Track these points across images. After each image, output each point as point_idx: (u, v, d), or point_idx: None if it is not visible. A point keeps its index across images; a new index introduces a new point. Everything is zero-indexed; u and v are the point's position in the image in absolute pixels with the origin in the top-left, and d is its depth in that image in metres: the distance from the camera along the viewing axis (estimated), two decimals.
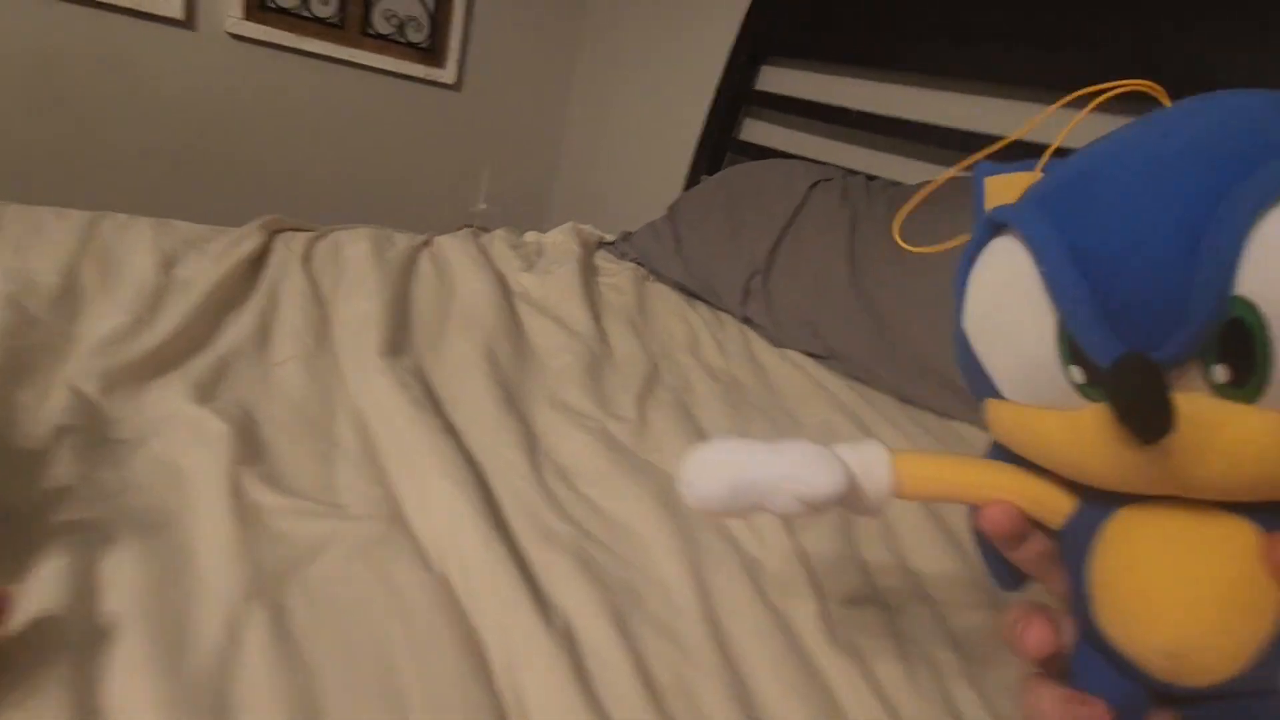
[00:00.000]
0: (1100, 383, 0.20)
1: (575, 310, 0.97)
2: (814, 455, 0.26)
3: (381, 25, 1.68)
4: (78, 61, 1.39)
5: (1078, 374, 0.21)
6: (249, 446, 0.55)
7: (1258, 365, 0.18)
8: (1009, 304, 0.22)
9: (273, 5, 1.53)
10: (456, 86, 1.83)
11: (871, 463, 0.27)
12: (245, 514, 0.47)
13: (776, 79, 1.45)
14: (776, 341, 1.02)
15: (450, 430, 0.63)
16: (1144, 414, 0.18)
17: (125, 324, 0.67)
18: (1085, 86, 0.29)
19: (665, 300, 1.12)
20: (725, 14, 1.50)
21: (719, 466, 0.27)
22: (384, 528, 0.49)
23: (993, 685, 0.44)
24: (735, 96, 1.47)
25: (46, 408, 0.55)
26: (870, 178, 1.16)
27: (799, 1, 1.37)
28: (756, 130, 1.51)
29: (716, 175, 1.31)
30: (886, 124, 1.21)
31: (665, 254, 1.21)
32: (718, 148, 1.50)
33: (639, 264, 1.24)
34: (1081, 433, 0.21)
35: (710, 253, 1.15)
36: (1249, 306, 0.17)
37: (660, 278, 1.21)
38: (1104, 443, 0.20)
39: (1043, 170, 0.24)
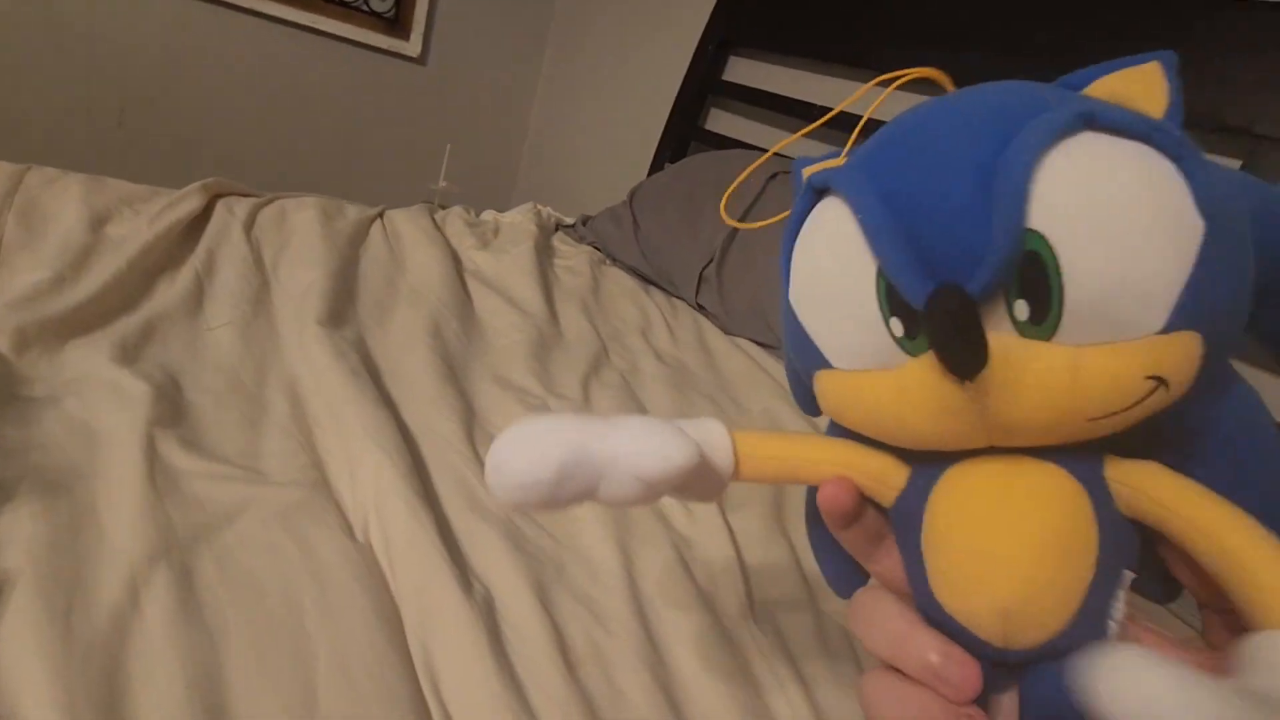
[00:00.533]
0: (917, 324, 0.21)
1: (527, 290, 0.96)
2: (657, 428, 0.23)
3: None
4: (18, 15, 1.32)
5: (897, 326, 0.21)
6: (169, 408, 0.54)
7: (1053, 298, 0.19)
8: (832, 266, 0.23)
9: None
10: (421, 60, 1.79)
11: (714, 439, 0.24)
12: (158, 476, 0.46)
13: (745, 70, 1.46)
14: (728, 329, 1.03)
15: (387, 402, 0.62)
16: (959, 344, 0.19)
17: (46, 280, 0.64)
18: None
19: (620, 285, 1.11)
20: (697, 1, 1.49)
21: (543, 443, 0.23)
22: (306, 494, 0.48)
23: None
24: (703, 85, 1.47)
25: None
26: None
27: None
28: (722, 120, 1.51)
29: (677, 164, 1.31)
30: (849, 120, 1.22)
31: (623, 239, 1.21)
32: (683, 136, 1.50)
33: (596, 248, 1.24)
34: (905, 388, 0.21)
35: (667, 240, 1.15)
36: (1041, 239, 0.18)
37: (617, 262, 1.21)
38: (926, 393, 0.21)
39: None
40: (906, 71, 0.28)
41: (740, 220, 1.08)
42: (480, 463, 0.57)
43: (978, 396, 0.20)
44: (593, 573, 0.47)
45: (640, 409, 0.72)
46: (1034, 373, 0.19)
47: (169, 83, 1.51)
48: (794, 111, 1.30)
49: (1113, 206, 0.18)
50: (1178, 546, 0.20)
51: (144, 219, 0.81)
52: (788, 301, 0.25)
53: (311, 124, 1.71)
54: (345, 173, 1.78)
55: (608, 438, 0.23)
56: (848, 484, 0.24)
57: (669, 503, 0.56)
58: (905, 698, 0.21)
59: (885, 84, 0.30)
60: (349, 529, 0.47)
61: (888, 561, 0.25)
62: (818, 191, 0.24)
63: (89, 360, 0.58)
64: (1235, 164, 0.84)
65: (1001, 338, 0.19)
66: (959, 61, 1.07)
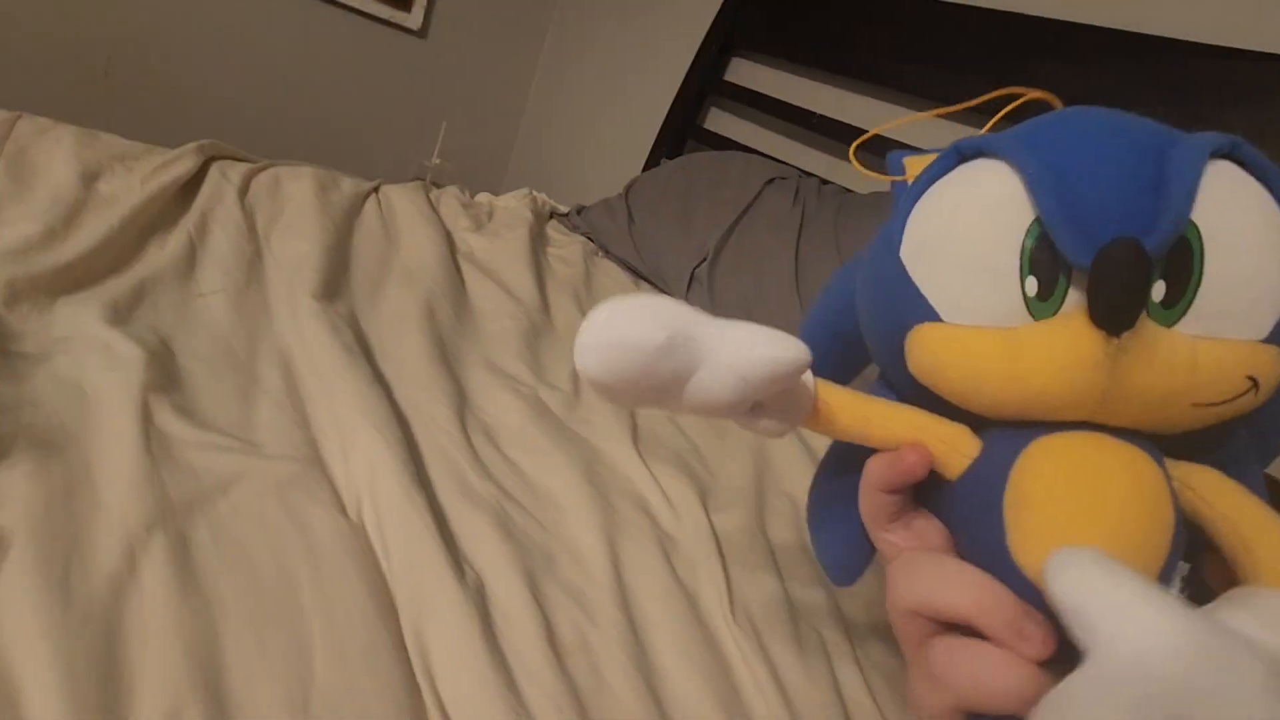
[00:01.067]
0: (1053, 286, 0.22)
1: (520, 276, 0.96)
2: (767, 331, 0.23)
3: None
4: None
5: (1032, 285, 0.22)
6: (163, 374, 0.53)
7: (1191, 285, 0.21)
8: (976, 220, 0.24)
9: None
10: (421, 33, 1.76)
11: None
12: (153, 442, 0.45)
13: (746, 72, 1.47)
14: None
15: (379, 380, 0.62)
16: (1124, 295, 0.20)
17: (37, 233, 0.63)
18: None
19: (612, 277, 1.12)
20: (702, 3, 1.50)
21: (657, 309, 0.22)
22: (300, 469, 0.48)
23: (872, 664, 0.47)
24: (703, 84, 1.47)
25: None
26: (824, 182, 1.19)
27: None
28: (721, 120, 1.52)
29: (675, 160, 1.31)
30: (847, 131, 1.24)
31: (617, 232, 1.21)
32: (681, 133, 1.50)
33: (590, 239, 1.24)
34: (1020, 348, 0.22)
35: (661, 236, 1.16)
36: (1195, 230, 0.21)
37: (609, 255, 1.21)
38: (1057, 350, 0.22)
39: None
40: (1026, 91, 0.30)
41: (734, 221, 1.09)
42: (471, 448, 0.58)
43: (1116, 356, 0.21)
44: (580, 564, 0.48)
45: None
46: (1165, 347, 0.21)
47: (160, 34, 1.47)
48: (793, 117, 1.32)
49: (1253, 222, 0.22)
50: (1218, 551, 0.23)
51: (136, 177, 0.79)
52: (894, 258, 0.26)
53: (306, 89, 1.68)
54: (337, 141, 1.76)
55: (721, 327, 0.23)
56: (926, 451, 0.25)
57: (654, 500, 0.57)
58: (977, 654, 0.21)
59: (1005, 100, 0.32)
60: (342, 506, 0.47)
61: (903, 534, 0.26)
62: (963, 157, 0.25)
63: (80, 318, 0.57)
64: None
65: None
66: (959, 81, 1.10)
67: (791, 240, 1.04)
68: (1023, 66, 1.04)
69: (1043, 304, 0.22)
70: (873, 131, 0.37)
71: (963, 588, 0.22)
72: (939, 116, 0.34)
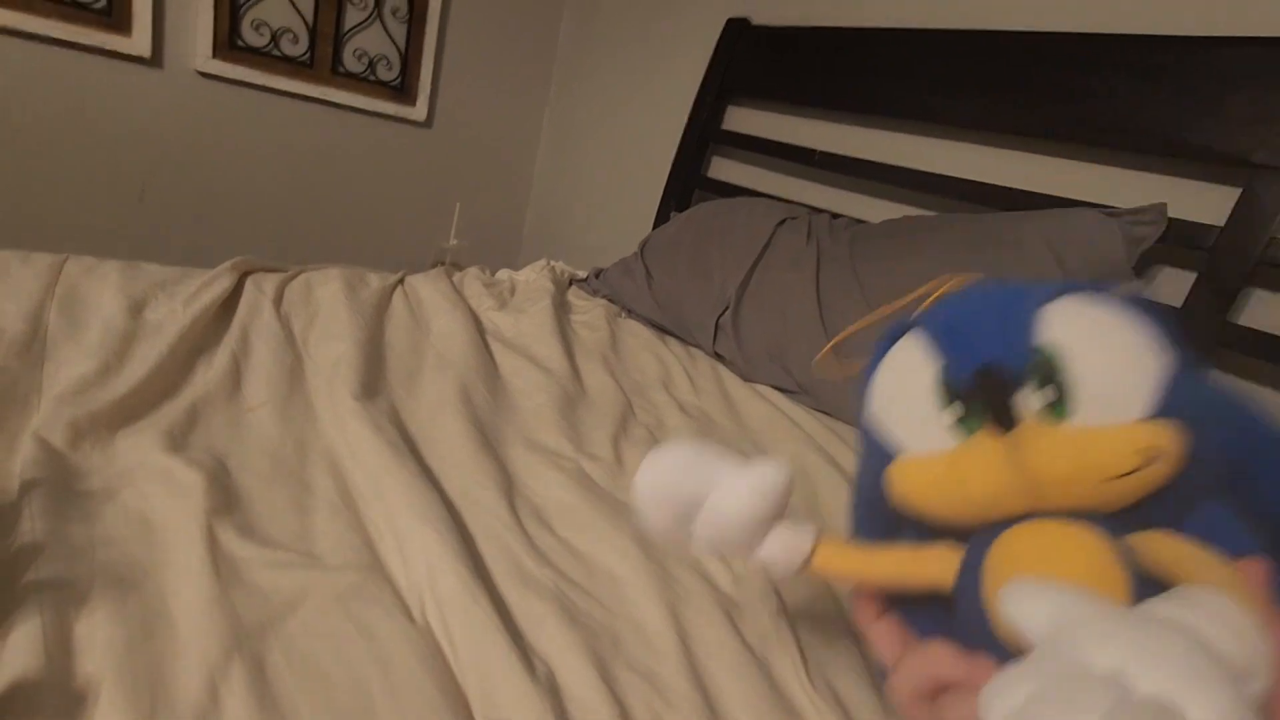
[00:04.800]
0: (966, 401, 0.29)
1: (549, 349, 0.98)
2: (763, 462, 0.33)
3: (352, 64, 1.69)
4: (37, 100, 1.37)
5: (950, 414, 0.30)
6: (222, 495, 0.55)
7: (1066, 388, 0.27)
8: (903, 376, 0.32)
9: (242, 44, 1.54)
10: (427, 123, 1.84)
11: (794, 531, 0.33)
12: (221, 567, 0.47)
13: (743, 118, 1.50)
14: (747, 376, 1.05)
15: (426, 473, 0.63)
16: (999, 399, 0.28)
17: (93, 371, 0.66)
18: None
19: (638, 336, 1.13)
20: (693, 53, 1.55)
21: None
22: (361, 576, 0.49)
23: None
24: (703, 134, 1.51)
25: (13, 460, 0.54)
26: (834, 215, 1.20)
27: (763, 45, 1.42)
28: (724, 168, 1.55)
29: (685, 213, 1.34)
30: (849, 164, 1.26)
31: (637, 291, 1.23)
32: (686, 184, 1.54)
33: (611, 300, 1.26)
34: (957, 463, 0.29)
35: (680, 290, 1.17)
36: (1055, 348, 0.28)
37: (633, 314, 1.23)
38: (979, 455, 0.28)
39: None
40: (945, 281, 0.37)
41: (751, 266, 1.11)
42: (524, 532, 0.58)
43: (1016, 450, 0.27)
44: (647, 642, 0.48)
45: None
46: (1056, 438, 0.27)
47: (187, 157, 1.56)
48: (795, 156, 1.34)
49: (1100, 332, 0.28)
50: None
51: (179, 301, 0.83)
52: (870, 415, 0.33)
53: (326, 189, 1.76)
54: (360, 234, 1.83)
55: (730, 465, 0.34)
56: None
57: (711, 563, 0.57)
58: (969, 700, 0.26)
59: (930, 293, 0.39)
60: (406, 610, 0.47)
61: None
62: (896, 335, 0.34)
63: (139, 450, 0.59)
64: (1235, 191, 0.86)
65: (1033, 417, 0.28)
66: (943, 104, 1.11)
67: (811, 277, 1.04)
68: (1013, 81, 1.05)
69: (964, 425, 0.29)
70: (836, 340, 0.43)
71: (944, 661, 0.28)
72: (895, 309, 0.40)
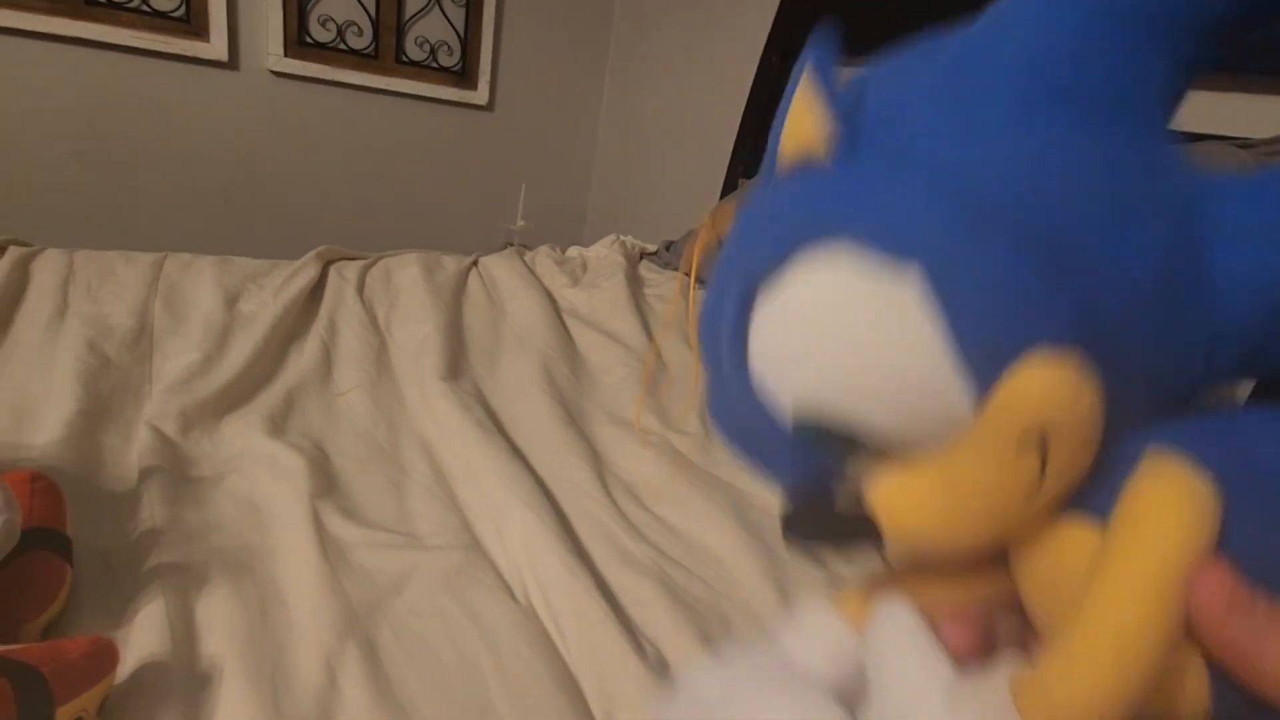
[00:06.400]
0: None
1: (625, 323, 0.96)
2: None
3: (414, 52, 1.70)
4: (124, 109, 1.44)
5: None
6: (324, 479, 0.56)
7: (846, 440, 0.18)
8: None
9: (310, 40, 1.57)
10: (489, 107, 1.85)
11: (827, 635, 0.22)
12: (329, 549, 0.47)
13: None
14: None
15: (516, 452, 0.63)
16: (814, 526, 0.21)
17: (197, 361, 0.69)
18: None
19: None
20: (754, 17, 1.48)
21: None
22: (463, 556, 0.49)
23: None
24: (770, 95, 1.45)
25: (130, 449, 0.56)
26: None
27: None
28: None
29: (754, 180, 1.29)
30: None
31: (708, 260, 1.20)
32: (755, 150, 1.48)
33: (683, 272, 1.23)
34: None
35: None
36: (805, 412, 0.19)
37: (705, 284, 1.20)
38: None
39: None
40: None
41: None
42: (618, 509, 0.57)
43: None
44: (757, 622, 0.46)
45: None
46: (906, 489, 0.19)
47: (266, 159, 1.61)
48: None
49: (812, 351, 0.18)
50: None
51: (269, 292, 0.85)
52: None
53: (395, 177, 1.79)
54: (430, 219, 1.86)
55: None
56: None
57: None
58: None
59: None
60: (508, 590, 0.47)
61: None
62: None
63: (244, 436, 0.61)
64: None
65: (879, 479, 0.19)
66: None
67: None
68: None
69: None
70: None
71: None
72: None
